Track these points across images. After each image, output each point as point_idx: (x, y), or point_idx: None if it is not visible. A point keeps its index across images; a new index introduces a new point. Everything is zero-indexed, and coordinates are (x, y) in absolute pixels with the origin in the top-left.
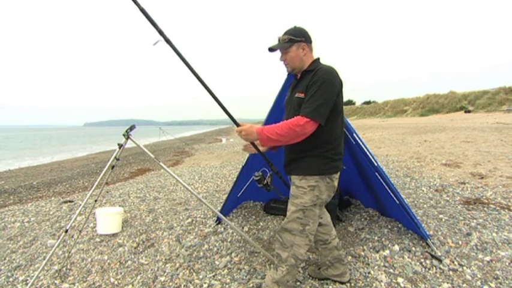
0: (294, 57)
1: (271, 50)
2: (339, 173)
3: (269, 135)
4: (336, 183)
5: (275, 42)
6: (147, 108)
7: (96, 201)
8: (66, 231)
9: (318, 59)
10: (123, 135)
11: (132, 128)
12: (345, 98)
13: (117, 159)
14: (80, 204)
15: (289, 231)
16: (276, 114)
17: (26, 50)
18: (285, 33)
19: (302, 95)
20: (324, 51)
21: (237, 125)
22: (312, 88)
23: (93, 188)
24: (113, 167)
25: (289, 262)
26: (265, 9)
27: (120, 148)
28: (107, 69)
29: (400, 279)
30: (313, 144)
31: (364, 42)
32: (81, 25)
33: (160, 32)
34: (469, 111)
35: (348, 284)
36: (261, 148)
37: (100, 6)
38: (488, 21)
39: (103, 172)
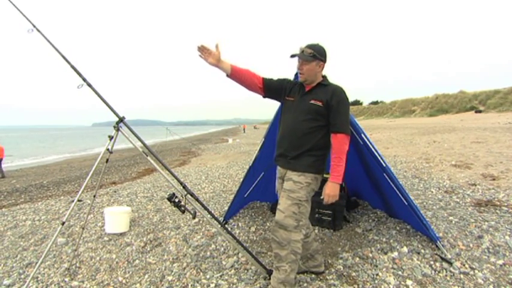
0: (311, 70)
1: (293, 56)
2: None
3: (342, 172)
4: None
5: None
6: (155, 109)
7: (94, 196)
8: (63, 223)
9: (326, 76)
10: (114, 127)
11: (121, 119)
12: (352, 98)
13: (110, 152)
14: (88, 203)
15: (285, 228)
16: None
17: (27, 50)
18: (310, 47)
19: (320, 104)
20: (331, 49)
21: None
22: (338, 106)
23: (87, 180)
24: (107, 160)
25: (290, 258)
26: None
27: (110, 140)
28: (113, 70)
29: (409, 282)
30: (315, 145)
31: (371, 42)
32: (85, 25)
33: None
34: (479, 111)
35: (356, 286)
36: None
37: (105, 5)
38: (497, 19)
39: (95, 163)
